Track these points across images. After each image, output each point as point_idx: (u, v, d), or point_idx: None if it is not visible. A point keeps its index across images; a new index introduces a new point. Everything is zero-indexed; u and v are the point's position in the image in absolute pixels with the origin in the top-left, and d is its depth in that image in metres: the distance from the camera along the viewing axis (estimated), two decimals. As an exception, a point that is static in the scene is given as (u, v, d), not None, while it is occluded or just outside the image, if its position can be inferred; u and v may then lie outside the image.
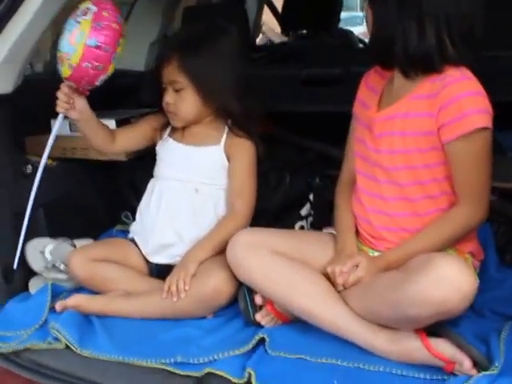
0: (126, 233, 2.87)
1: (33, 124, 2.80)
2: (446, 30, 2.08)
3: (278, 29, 5.81)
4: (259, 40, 6.09)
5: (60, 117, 2.50)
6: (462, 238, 2.20)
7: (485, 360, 1.97)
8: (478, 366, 1.96)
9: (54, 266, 2.69)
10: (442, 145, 2.12)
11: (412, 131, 2.16)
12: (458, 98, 2.05)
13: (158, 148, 2.76)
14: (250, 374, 2.04)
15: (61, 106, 2.48)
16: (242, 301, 2.37)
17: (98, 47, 2.29)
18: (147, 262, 2.69)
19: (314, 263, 2.31)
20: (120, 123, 2.88)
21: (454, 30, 2.08)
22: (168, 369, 2.15)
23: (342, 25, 5.48)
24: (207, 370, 2.09)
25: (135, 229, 2.77)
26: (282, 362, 2.12)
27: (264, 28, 6.05)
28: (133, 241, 2.74)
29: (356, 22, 10.99)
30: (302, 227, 2.92)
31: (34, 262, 2.69)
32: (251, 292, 2.35)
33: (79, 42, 2.29)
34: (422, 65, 2.12)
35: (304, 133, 3.17)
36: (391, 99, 2.24)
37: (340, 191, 2.49)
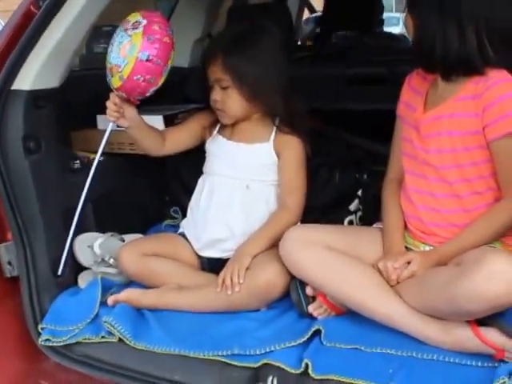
0: (175, 228, 2.88)
1: (79, 119, 2.81)
2: (486, 34, 2.13)
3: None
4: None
5: (110, 124, 2.51)
6: (508, 231, 2.23)
7: None
8: None
9: (103, 261, 2.69)
10: (485, 144, 2.17)
11: (459, 131, 2.20)
12: (501, 99, 2.11)
13: (207, 145, 2.76)
14: (306, 365, 2.04)
15: (111, 115, 2.49)
16: (294, 293, 2.37)
17: (149, 60, 2.31)
18: (198, 256, 2.69)
19: (366, 258, 2.33)
20: (168, 118, 2.89)
21: (493, 33, 2.13)
22: (225, 360, 2.15)
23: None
24: (264, 361, 2.08)
25: (186, 224, 2.76)
26: (338, 353, 2.13)
27: None
28: (183, 235, 2.73)
29: (392, 23, 11.04)
30: (351, 222, 2.94)
31: (83, 257, 2.69)
32: (303, 284, 2.35)
33: (131, 55, 2.30)
34: (463, 68, 2.17)
35: (350, 130, 3.18)
36: (436, 101, 2.28)
37: (387, 189, 2.51)
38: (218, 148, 2.72)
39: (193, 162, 2.88)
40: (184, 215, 2.83)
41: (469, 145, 2.19)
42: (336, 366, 2.04)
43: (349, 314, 2.29)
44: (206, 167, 2.75)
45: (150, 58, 2.30)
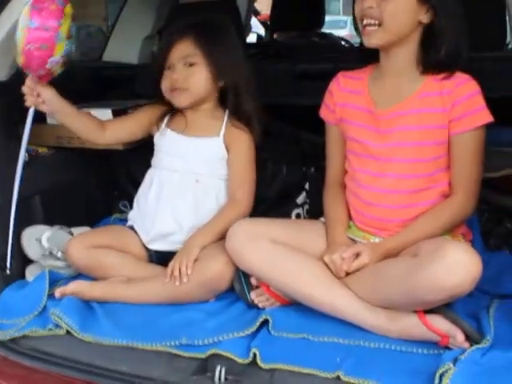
0: (123, 221, 2.84)
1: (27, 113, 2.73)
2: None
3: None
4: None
5: (31, 111, 2.46)
6: (456, 225, 2.28)
7: (477, 334, 2.05)
8: (470, 339, 2.03)
9: (51, 254, 2.62)
10: (447, 139, 2.23)
11: (423, 125, 2.25)
12: (471, 95, 2.20)
13: (156, 139, 2.72)
14: (254, 354, 2.02)
15: (28, 100, 2.44)
16: (237, 283, 2.37)
17: (37, 28, 2.28)
18: (146, 249, 2.65)
19: (311, 250, 2.33)
20: (117, 113, 2.84)
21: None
22: (173, 351, 2.11)
23: (326, 28, 5.57)
24: (212, 351, 2.05)
25: (133, 217, 2.72)
26: (286, 342, 2.12)
27: None
28: (131, 228, 2.69)
29: (340, 26, 11.17)
30: (298, 215, 2.92)
31: (31, 250, 2.63)
32: (247, 274, 2.34)
33: (22, 27, 2.31)
34: (451, 66, 2.23)
35: (297, 125, 3.18)
36: (392, 98, 2.29)
37: (328, 195, 2.51)
38: (168, 142, 2.67)
39: (141, 156, 2.84)
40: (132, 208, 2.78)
41: (430, 139, 2.24)
42: (284, 355, 2.03)
43: (296, 304, 2.28)
44: (155, 161, 2.70)
45: (38, 25, 2.28)
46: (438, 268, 1.94)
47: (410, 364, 1.98)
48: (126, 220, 2.78)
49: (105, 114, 2.77)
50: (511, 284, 2.39)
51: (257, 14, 6.99)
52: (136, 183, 2.80)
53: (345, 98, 2.41)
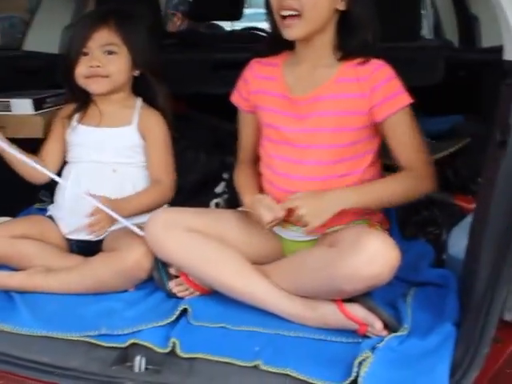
0: (44, 211, 2.76)
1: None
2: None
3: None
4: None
5: None
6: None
7: (394, 322, 2.04)
8: (388, 328, 2.03)
9: (-32, 244, 2.53)
10: (371, 124, 2.21)
11: (342, 111, 2.22)
12: (388, 80, 2.19)
13: (67, 136, 2.66)
14: (174, 344, 1.99)
15: None
16: (156, 272, 2.33)
17: None
18: (67, 238, 2.60)
19: (228, 239, 2.29)
20: (37, 102, 2.76)
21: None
22: (92, 341, 2.06)
23: (248, 20, 5.57)
24: (131, 340, 2.00)
25: (53, 209, 2.67)
26: (205, 331, 2.09)
27: None
28: (51, 218, 2.64)
29: (261, 19, 11.23)
30: (217, 204, 2.91)
31: (-51, 241, 2.53)
32: (166, 263, 2.32)
33: None
34: (366, 53, 2.22)
35: (215, 114, 3.18)
36: (311, 83, 2.26)
37: (239, 166, 2.52)
38: (81, 136, 2.63)
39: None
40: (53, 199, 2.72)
41: (350, 125, 2.21)
42: (203, 345, 2.00)
43: (215, 293, 2.26)
44: (70, 157, 2.65)
45: None
46: (357, 258, 1.94)
47: (330, 352, 1.97)
48: (46, 210, 2.71)
49: (25, 103, 2.71)
50: (428, 272, 2.38)
51: None
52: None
53: (259, 85, 2.37)
